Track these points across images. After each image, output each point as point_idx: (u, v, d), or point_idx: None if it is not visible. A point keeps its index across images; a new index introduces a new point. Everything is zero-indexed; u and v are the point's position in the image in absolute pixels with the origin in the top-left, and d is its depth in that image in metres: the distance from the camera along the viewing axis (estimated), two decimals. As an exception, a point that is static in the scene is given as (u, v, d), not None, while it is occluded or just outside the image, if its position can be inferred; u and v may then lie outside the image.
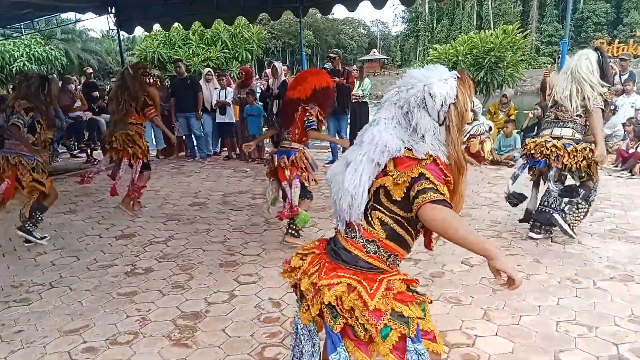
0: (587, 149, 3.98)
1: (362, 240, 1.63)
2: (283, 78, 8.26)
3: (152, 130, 9.32)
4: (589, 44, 44.27)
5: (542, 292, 3.29)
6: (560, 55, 6.84)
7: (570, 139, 4.05)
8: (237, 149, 9.14)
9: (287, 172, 4.24)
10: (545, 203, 4.23)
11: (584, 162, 3.99)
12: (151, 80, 5.80)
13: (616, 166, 6.82)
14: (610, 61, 4.30)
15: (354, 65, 9.37)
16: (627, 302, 3.11)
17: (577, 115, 4.06)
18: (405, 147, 1.58)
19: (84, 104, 9.25)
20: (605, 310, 3.02)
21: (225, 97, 8.75)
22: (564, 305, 3.10)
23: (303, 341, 1.76)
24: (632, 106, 7.91)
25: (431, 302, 1.74)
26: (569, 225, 4.13)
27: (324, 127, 5.00)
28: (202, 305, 3.29)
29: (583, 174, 4.10)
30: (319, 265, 1.66)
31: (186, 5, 8.89)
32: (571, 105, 4.03)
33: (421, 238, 1.75)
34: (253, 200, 6.02)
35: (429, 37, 55.26)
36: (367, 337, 1.57)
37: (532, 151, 4.21)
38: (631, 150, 6.81)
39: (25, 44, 30.02)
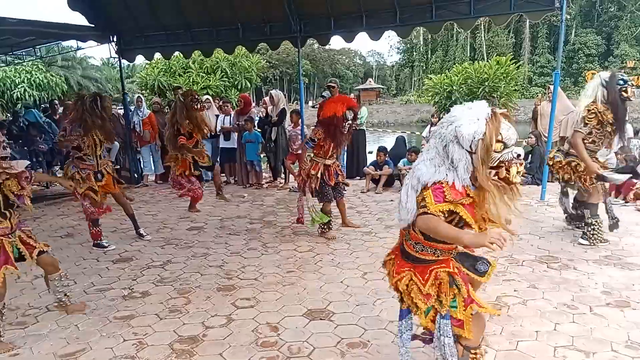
0: (573, 162, 4.65)
1: (412, 242, 2.19)
2: (282, 106, 8.40)
3: (152, 156, 9.41)
4: (581, 74, 45.21)
5: (539, 317, 3.30)
6: (552, 86, 6.99)
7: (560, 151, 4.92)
8: (235, 175, 9.20)
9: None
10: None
11: (575, 174, 4.65)
12: (199, 106, 6.25)
13: (609, 195, 6.89)
14: (624, 84, 4.49)
15: (352, 94, 9.53)
16: (623, 328, 3.12)
17: None
18: (437, 173, 2.03)
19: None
20: (602, 336, 3.03)
21: (230, 124, 8.87)
22: (561, 330, 3.11)
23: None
24: (624, 135, 8.05)
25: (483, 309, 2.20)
26: (592, 241, 4.75)
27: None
28: (200, 329, 3.28)
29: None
30: (396, 264, 2.30)
31: (187, 34, 9.09)
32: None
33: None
34: (250, 225, 6.04)
35: (424, 68, 56.30)
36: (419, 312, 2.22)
37: None
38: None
39: (26, 71, 30.37)
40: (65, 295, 3.55)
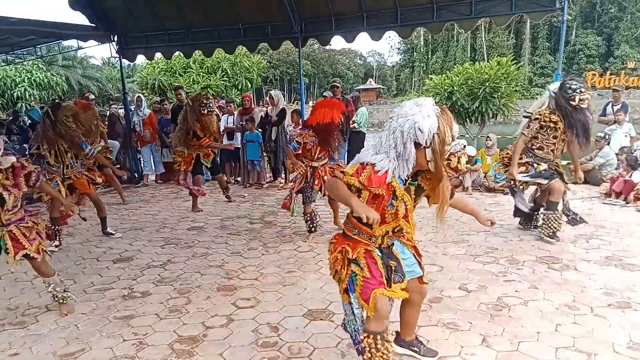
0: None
1: (346, 221, 2.44)
2: (282, 106, 8.40)
3: (152, 155, 9.41)
4: (581, 75, 45.21)
5: (540, 318, 3.29)
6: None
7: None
8: (237, 174, 9.20)
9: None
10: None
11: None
12: (206, 111, 6.37)
13: (610, 195, 6.88)
14: (573, 93, 4.53)
15: (351, 94, 9.53)
16: (625, 328, 3.11)
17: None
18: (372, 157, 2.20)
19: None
20: (603, 337, 3.02)
21: (234, 123, 8.87)
22: (563, 331, 3.10)
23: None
24: (625, 135, 8.05)
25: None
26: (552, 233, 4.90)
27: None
28: (200, 329, 3.27)
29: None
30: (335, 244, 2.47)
31: (187, 34, 9.08)
32: None
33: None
34: (251, 225, 6.04)
35: (424, 68, 56.26)
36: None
37: None
38: (626, 178, 6.88)
39: (26, 70, 30.39)
40: (55, 297, 3.54)
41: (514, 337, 3.03)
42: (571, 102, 4.51)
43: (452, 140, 2.15)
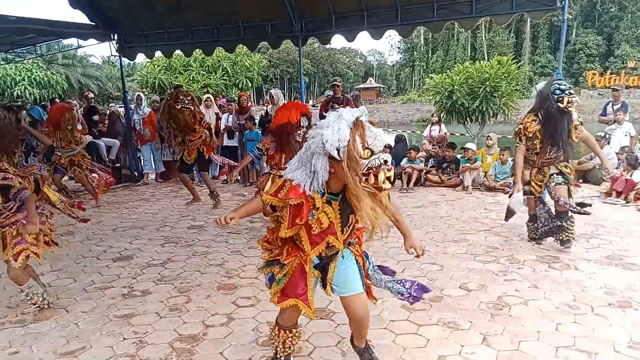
0: None
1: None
2: (281, 105, 8.38)
3: (152, 154, 9.40)
4: (582, 75, 45.19)
5: (541, 317, 3.29)
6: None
7: None
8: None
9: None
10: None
11: None
12: (179, 106, 6.26)
13: (610, 194, 6.88)
14: (561, 94, 4.28)
15: (351, 93, 9.53)
16: (625, 328, 3.11)
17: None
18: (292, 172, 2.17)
19: (84, 127, 9.30)
20: (604, 336, 3.01)
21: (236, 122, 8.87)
22: (563, 331, 3.10)
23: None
24: (625, 135, 8.05)
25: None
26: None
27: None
28: (200, 328, 3.27)
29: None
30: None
31: (188, 33, 9.07)
32: None
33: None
34: (251, 224, 6.03)
35: (424, 67, 56.26)
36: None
37: None
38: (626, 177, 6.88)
39: (26, 68, 30.41)
40: (35, 304, 3.45)
41: (514, 337, 3.03)
42: (559, 103, 4.25)
43: (372, 153, 2.03)
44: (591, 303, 3.49)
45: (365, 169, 2.03)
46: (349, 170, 2.00)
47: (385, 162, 2.05)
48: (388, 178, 2.15)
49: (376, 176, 2.08)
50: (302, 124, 4.72)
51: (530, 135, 4.51)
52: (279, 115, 4.76)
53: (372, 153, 2.03)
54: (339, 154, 2.00)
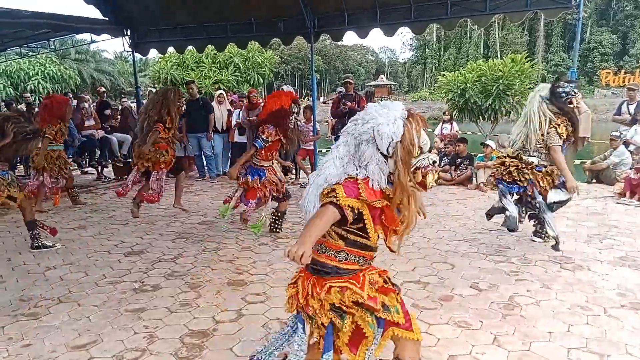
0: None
1: (332, 252, 1.93)
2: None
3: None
4: (596, 73, 44.62)
5: (553, 318, 3.26)
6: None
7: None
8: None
9: (260, 193, 5.07)
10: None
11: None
12: (181, 107, 5.99)
13: (624, 195, 6.78)
14: (567, 96, 4.34)
15: (363, 91, 9.51)
16: (638, 330, 3.07)
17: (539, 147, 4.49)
18: (346, 173, 1.88)
19: (97, 122, 9.40)
20: (616, 338, 2.98)
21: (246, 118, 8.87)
22: (575, 332, 3.07)
23: (296, 340, 2.06)
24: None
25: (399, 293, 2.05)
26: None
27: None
28: (210, 324, 3.28)
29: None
30: (312, 284, 1.95)
31: (200, 29, 9.10)
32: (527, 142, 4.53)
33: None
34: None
35: (437, 65, 55.96)
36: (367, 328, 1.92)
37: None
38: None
39: (40, 63, 30.71)
40: None
41: (525, 337, 3.00)
42: (569, 104, 4.37)
43: (421, 152, 1.90)
44: (604, 304, 3.45)
45: (413, 167, 1.89)
46: (403, 166, 1.82)
47: (434, 162, 1.93)
48: (435, 180, 1.97)
49: (425, 176, 1.91)
50: (293, 110, 4.87)
51: (565, 136, 4.45)
52: (270, 103, 4.87)
53: (421, 151, 1.91)
54: (387, 148, 1.83)
